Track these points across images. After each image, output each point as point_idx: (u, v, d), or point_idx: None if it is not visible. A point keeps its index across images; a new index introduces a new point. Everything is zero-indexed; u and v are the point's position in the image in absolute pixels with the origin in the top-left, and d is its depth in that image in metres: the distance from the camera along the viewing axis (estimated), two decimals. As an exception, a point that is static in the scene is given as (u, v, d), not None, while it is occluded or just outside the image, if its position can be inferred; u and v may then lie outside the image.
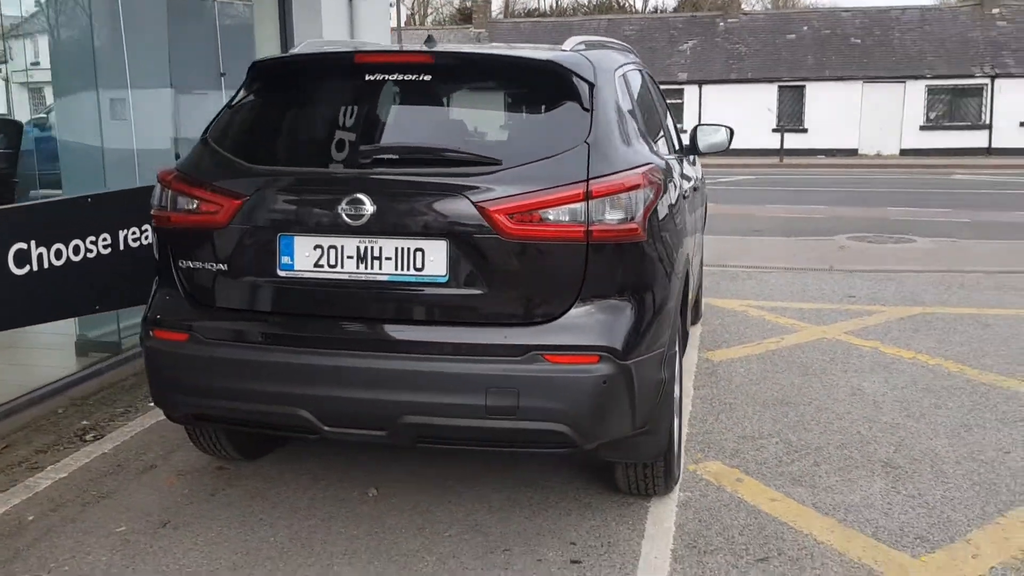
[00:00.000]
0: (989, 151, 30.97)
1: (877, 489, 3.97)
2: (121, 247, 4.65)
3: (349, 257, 3.24)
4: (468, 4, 49.34)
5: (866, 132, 32.05)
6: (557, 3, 50.56)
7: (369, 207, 3.17)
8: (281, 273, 3.31)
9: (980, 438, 4.57)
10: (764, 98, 32.79)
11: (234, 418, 3.45)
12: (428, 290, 3.19)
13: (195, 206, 3.39)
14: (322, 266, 3.27)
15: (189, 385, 3.39)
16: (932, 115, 31.90)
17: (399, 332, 3.21)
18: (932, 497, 3.87)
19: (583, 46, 3.77)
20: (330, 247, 3.25)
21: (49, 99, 8.73)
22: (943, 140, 31.26)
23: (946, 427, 4.73)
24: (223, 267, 3.36)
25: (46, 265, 4.22)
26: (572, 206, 3.11)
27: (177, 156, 6.77)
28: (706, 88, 33.35)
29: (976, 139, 31.35)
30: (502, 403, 3.09)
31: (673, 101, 34.19)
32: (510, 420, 3.11)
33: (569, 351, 3.11)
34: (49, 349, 5.96)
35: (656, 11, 46.18)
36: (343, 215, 3.19)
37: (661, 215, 3.42)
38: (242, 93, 3.67)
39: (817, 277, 9.00)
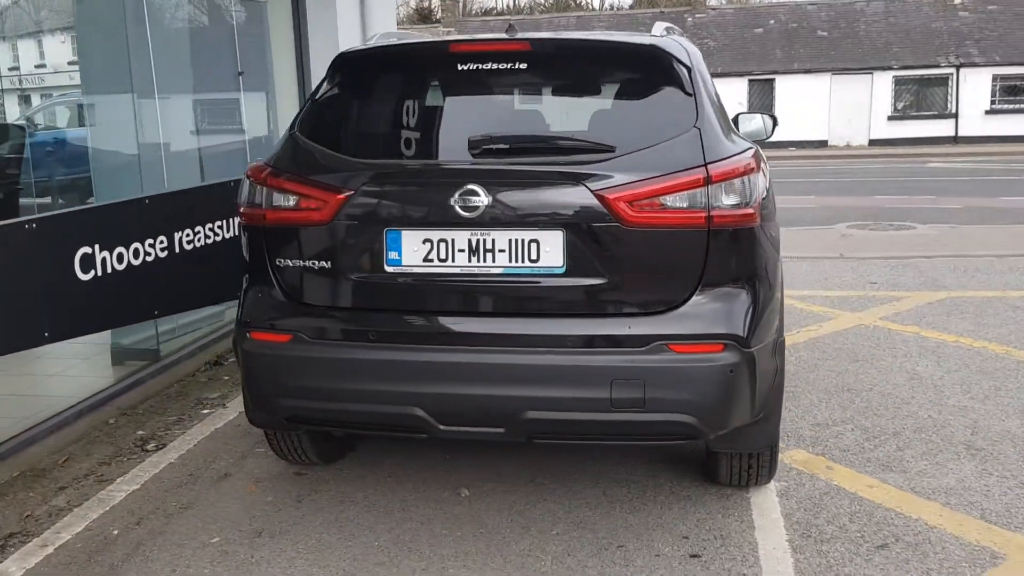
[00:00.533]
0: (956, 139, 31.45)
1: (969, 472, 3.95)
2: (176, 249, 4.50)
3: (460, 250, 3.14)
4: (425, 4, 49.14)
5: (835, 123, 32.41)
6: (515, 2, 50.58)
7: (484, 198, 3.07)
8: (388, 268, 3.20)
9: (1051, 418, 4.58)
10: (735, 92, 33.00)
11: (341, 420, 3.34)
12: (544, 281, 3.10)
13: (294, 203, 3.26)
14: (432, 260, 3.16)
15: (293, 387, 3.27)
16: (900, 105, 32.34)
17: (518, 326, 3.11)
18: (1027, 477, 3.87)
19: (667, 31, 3.71)
20: (440, 241, 3.15)
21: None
22: (911, 130, 31.69)
23: (1014, 408, 4.73)
24: (326, 264, 3.25)
25: (109, 270, 4.08)
26: (692, 191, 3.04)
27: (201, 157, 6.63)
28: (677, 83, 33.44)
29: (943, 128, 31.82)
30: (628, 395, 3.01)
31: (645, 96, 34.24)
32: (636, 412, 3.04)
33: (695, 340, 3.04)
34: (84, 359, 5.77)
35: (613, 8, 46.41)
36: (456, 207, 3.09)
37: (768, 200, 3.37)
38: (326, 86, 3.55)
39: (833, 265, 9.03)
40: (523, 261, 3.11)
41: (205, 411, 4.95)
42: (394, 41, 3.61)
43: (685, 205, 3.04)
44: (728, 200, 3.06)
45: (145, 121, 5.74)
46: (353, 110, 3.53)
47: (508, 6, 50.40)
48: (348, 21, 7.99)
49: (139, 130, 5.62)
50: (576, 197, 3.06)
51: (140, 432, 4.67)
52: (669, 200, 3.03)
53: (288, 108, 7.69)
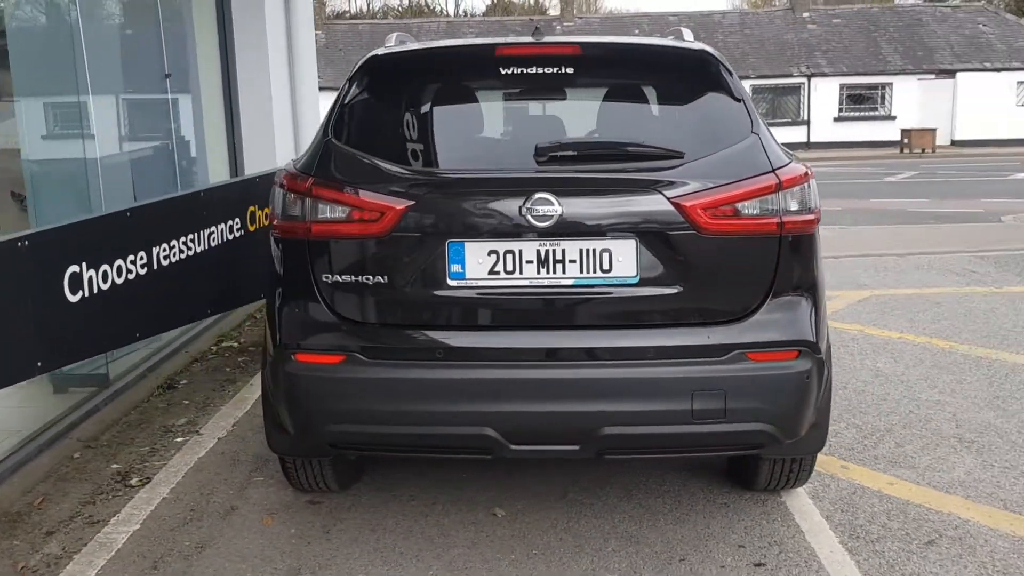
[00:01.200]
0: (808, 145, 33.23)
1: (972, 464, 4.12)
2: (155, 266, 4.15)
3: (528, 262, 3.01)
4: (289, 7, 47.84)
5: (699, 130, 33.63)
6: (369, 5, 50.14)
7: (555, 207, 2.96)
8: (451, 283, 3.03)
9: (1021, 408, 4.84)
10: (604, 99, 33.75)
11: (397, 443, 3.14)
12: (617, 292, 3.02)
13: (346, 214, 3.05)
14: (498, 273, 3.02)
15: (344, 411, 3.05)
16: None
17: (592, 339, 3.01)
18: (1027, 467, 4.06)
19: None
20: (507, 252, 3.01)
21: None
22: (768, 136, 33.24)
23: (983, 400, 4.98)
24: (382, 280, 3.05)
25: (95, 290, 3.70)
26: (765, 198, 3.03)
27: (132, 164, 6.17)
28: (548, 90, 33.93)
29: (796, 134, 33.54)
30: (710, 406, 2.97)
31: (516, 103, 34.59)
32: (718, 424, 2.99)
33: (772, 348, 3.02)
34: (17, 387, 5.23)
35: (466, 15, 46.69)
36: (528, 217, 2.96)
37: None
38: (355, 89, 3.34)
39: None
40: (595, 272, 3.01)
41: (179, 439, 4.59)
42: (425, 44, 3.44)
43: (757, 212, 3.02)
44: (794, 206, 3.07)
45: (75, 123, 5.28)
46: (393, 115, 3.34)
47: (361, 10, 49.85)
48: (273, 21, 7.64)
49: (78, 132, 5.17)
50: (650, 204, 2.99)
51: (115, 466, 4.27)
52: (743, 207, 3.01)
53: (214, 111, 7.29)
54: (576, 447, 3.04)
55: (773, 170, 3.07)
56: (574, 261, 3.01)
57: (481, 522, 3.61)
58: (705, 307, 3.05)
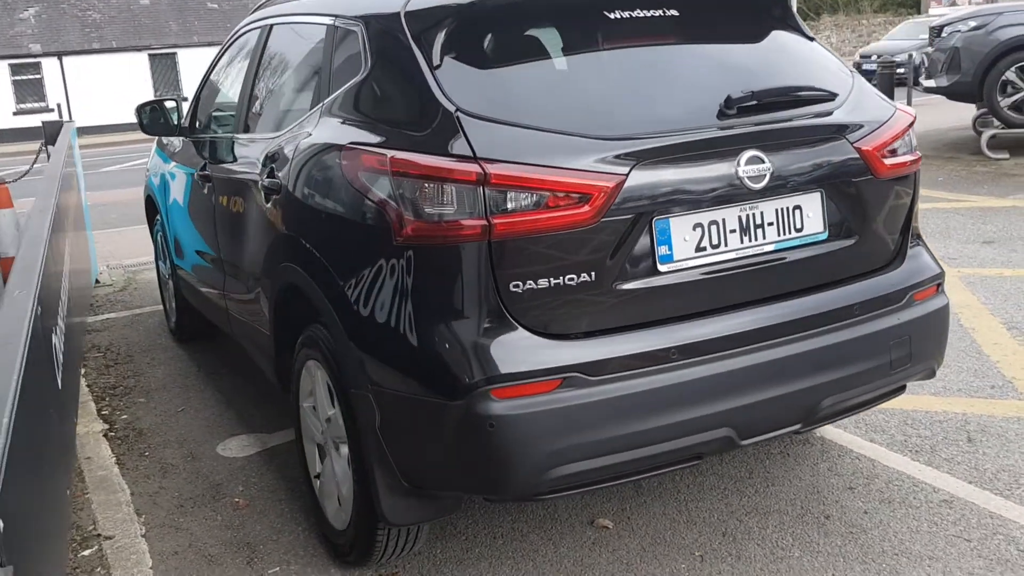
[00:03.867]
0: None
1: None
2: None
3: (732, 231, 2.62)
4: None
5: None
6: None
7: (767, 164, 2.61)
8: (662, 268, 2.53)
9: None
10: (135, 70, 30.78)
11: (627, 471, 2.55)
12: (809, 251, 2.76)
13: (542, 201, 2.36)
14: (704, 249, 2.59)
15: (573, 447, 2.40)
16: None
17: (804, 307, 2.72)
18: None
19: None
20: (711, 223, 2.59)
21: None
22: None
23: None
24: (589, 278, 2.43)
25: None
26: (907, 136, 2.98)
27: None
28: (68, 60, 29.98)
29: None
30: (902, 354, 2.88)
31: (28, 77, 30.16)
32: (905, 369, 2.92)
33: (926, 285, 3.01)
34: None
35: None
36: (745, 178, 2.57)
37: None
38: (455, 43, 2.59)
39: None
40: (790, 232, 2.72)
41: (85, 552, 3.29)
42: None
43: (907, 150, 2.97)
44: (915, 143, 3.07)
45: None
46: (525, 72, 2.65)
47: None
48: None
49: None
50: (836, 152, 2.78)
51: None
52: (898, 146, 2.93)
53: None
54: (798, 425, 2.76)
55: (896, 109, 3.03)
56: (772, 224, 2.68)
57: (594, 538, 3.13)
58: (876, 254, 2.93)
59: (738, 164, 2.57)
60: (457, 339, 2.39)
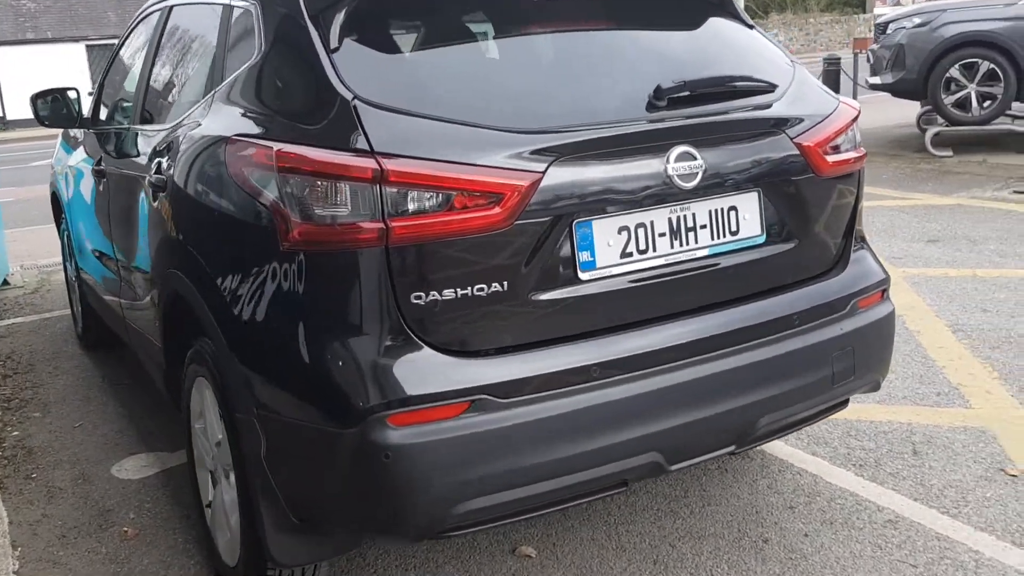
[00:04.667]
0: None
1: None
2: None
3: (661, 235, 2.38)
4: None
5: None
6: None
7: (699, 161, 2.37)
8: (583, 276, 2.27)
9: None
10: (72, 59, 29.84)
11: (543, 503, 2.28)
12: (745, 256, 2.53)
13: (448, 202, 2.09)
14: (630, 254, 2.34)
15: (483, 479, 2.13)
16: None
17: (740, 317, 2.48)
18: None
19: None
20: (638, 226, 2.34)
21: None
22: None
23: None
24: (500, 287, 2.16)
25: None
26: (851, 131, 2.77)
27: None
28: (0, 51, 28.96)
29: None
30: (844, 366, 2.67)
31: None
32: (848, 383, 2.70)
33: (871, 292, 2.80)
34: None
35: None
36: (675, 177, 2.33)
37: None
38: (345, 27, 2.31)
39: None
40: (724, 236, 2.48)
41: None
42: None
43: (851, 146, 2.75)
44: (859, 139, 2.86)
45: None
46: (429, 59, 2.38)
47: None
48: None
49: None
50: (775, 148, 2.55)
51: None
52: (841, 143, 2.71)
53: None
54: (732, 447, 2.53)
55: (840, 102, 2.82)
56: (705, 226, 2.45)
57: (515, 569, 2.87)
58: (817, 259, 2.71)
59: (668, 161, 2.33)
60: (349, 358, 2.11)
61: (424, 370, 2.12)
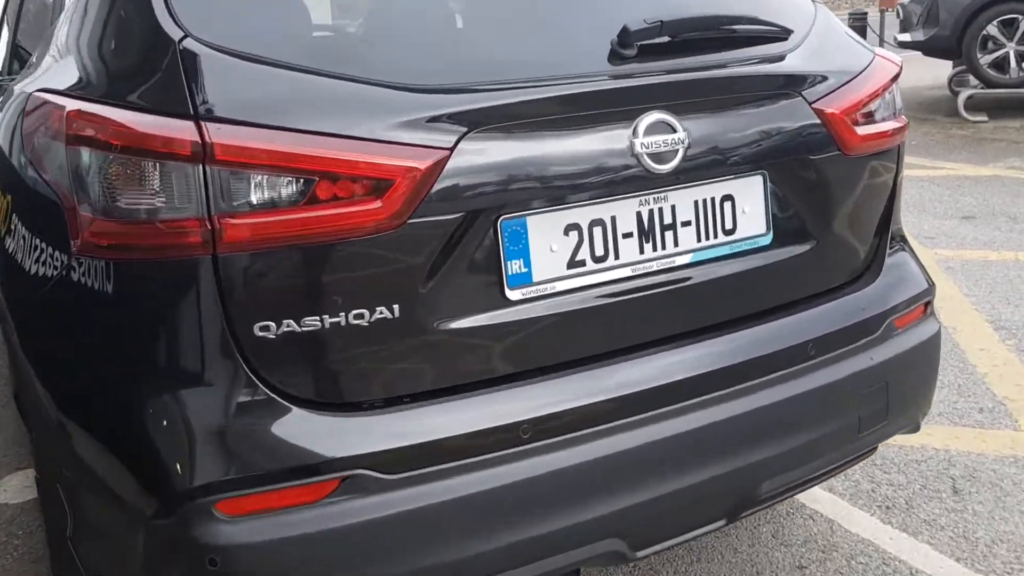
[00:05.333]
0: None
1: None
2: None
3: (626, 235, 1.72)
4: None
5: None
6: None
7: (680, 134, 1.70)
8: (513, 294, 1.62)
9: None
10: None
11: None
12: (743, 263, 1.87)
13: (304, 191, 1.44)
14: (582, 263, 1.68)
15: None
16: None
17: (734, 347, 1.83)
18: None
19: None
20: (593, 224, 1.68)
21: None
22: None
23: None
24: (389, 314, 1.52)
25: None
26: (889, 94, 2.09)
27: None
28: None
29: None
30: (875, 408, 2.02)
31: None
32: (879, 429, 2.05)
33: (912, 306, 2.13)
34: None
35: None
36: (645, 156, 1.66)
37: None
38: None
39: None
40: (715, 236, 1.82)
41: None
42: None
43: (889, 114, 2.07)
44: (899, 104, 2.17)
45: None
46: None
47: None
48: None
49: None
50: (787, 115, 1.88)
51: None
52: (876, 109, 2.03)
53: None
54: (721, 522, 1.89)
55: (875, 55, 2.13)
56: (688, 223, 1.78)
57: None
58: (841, 265, 2.05)
59: (636, 133, 1.66)
60: (161, 414, 1.47)
61: (273, 432, 1.48)
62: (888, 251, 2.14)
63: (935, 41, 9.01)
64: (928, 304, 2.20)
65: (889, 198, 2.13)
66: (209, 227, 1.42)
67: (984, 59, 8.73)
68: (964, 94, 9.24)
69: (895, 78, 2.09)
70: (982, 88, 9.12)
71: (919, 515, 2.74)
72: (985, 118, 9.06)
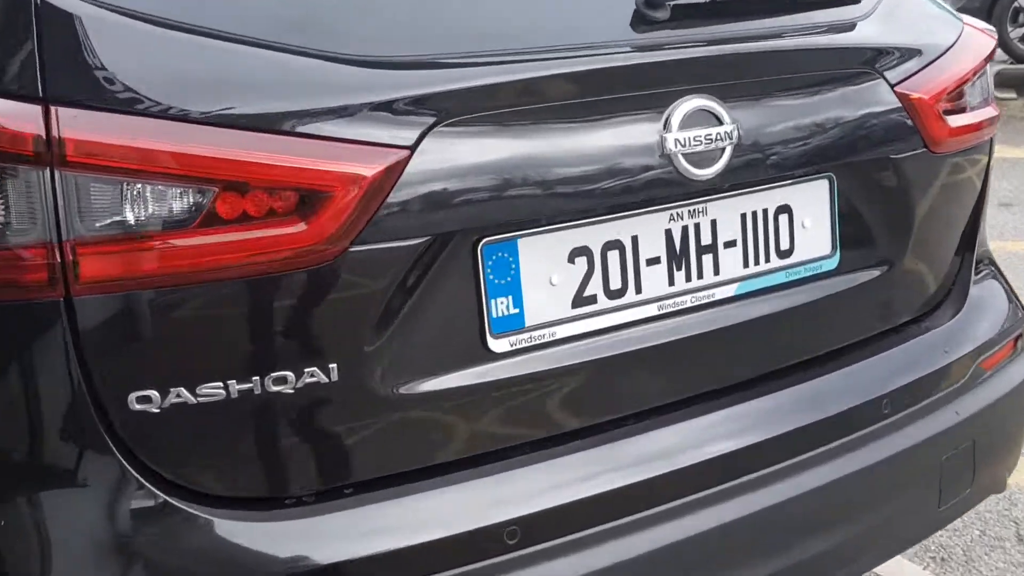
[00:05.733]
0: None
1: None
2: None
3: (652, 261, 1.29)
4: None
5: None
6: None
7: (728, 126, 1.26)
8: (497, 344, 1.19)
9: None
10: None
11: None
12: (803, 293, 1.44)
13: (199, 206, 1.00)
14: (591, 300, 1.25)
15: None
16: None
17: (778, 412, 1.39)
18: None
19: None
20: (608, 248, 1.25)
21: None
22: None
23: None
24: (320, 376, 1.08)
25: None
26: (982, 77, 1.65)
27: None
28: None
29: None
30: (959, 476, 1.60)
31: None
32: (962, 499, 1.63)
33: (1002, 342, 1.71)
34: None
35: None
36: (680, 156, 1.23)
37: None
38: None
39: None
40: (767, 260, 1.39)
41: None
42: None
43: (981, 101, 1.64)
44: (991, 90, 1.75)
45: None
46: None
47: None
48: None
49: None
50: (864, 100, 1.45)
51: None
52: (969, 94, 1.59)
53: None
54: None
55: (964, 25, 1.70)
56: (733, 243, 1.35)
57: None
58: (917, 293, 1.62)
59: (667, 126, 1.22)
60: (7, 529, 1.05)
61: (155, 540, 1.06)
62: (975, 276, 1.71)
63: (964, 12, 8.55)
64: (1019, 338, 1.77)
65: (976, 207, 1.69)
66: (59, 258, 0.98)
67: (1015, 32, 8.28)
68: (992, 69, 8.79)
69: (990, 56, 1.65)
70: (1012, 63, 8.67)
71: (980, 568, 2.34)
72: (1014, 95, 8.58)
